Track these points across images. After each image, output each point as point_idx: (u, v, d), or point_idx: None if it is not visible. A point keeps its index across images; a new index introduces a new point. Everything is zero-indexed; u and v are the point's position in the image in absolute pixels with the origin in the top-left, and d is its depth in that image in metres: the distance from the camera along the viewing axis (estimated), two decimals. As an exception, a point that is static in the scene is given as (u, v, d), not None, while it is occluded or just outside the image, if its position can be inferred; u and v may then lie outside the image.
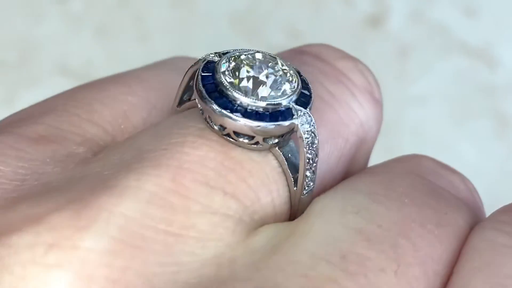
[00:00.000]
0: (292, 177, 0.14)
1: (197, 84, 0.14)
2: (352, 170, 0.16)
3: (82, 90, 0.15)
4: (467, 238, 0.14)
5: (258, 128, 0.13)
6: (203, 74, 0.14)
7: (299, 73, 0.14)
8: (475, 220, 0.15)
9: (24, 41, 0.41)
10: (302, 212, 0.14)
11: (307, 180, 0.14)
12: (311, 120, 0.14)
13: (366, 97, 0.15)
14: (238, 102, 0.14)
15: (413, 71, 0.40)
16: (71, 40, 0.41)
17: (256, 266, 0.12)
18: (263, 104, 0.14)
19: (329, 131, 0.15)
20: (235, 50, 0.14)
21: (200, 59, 0.14)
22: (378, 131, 0.15)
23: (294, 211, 0.14)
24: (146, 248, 0.12)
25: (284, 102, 0.14)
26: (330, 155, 0.15)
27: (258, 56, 0.14)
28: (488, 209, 0.39)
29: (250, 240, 0.13)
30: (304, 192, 0.14)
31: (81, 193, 0.12)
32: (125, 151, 0.14)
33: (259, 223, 0.13)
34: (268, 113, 0.14)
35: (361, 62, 0.16)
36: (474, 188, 0.16)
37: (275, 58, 0.14)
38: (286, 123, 0.14)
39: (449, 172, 0.16)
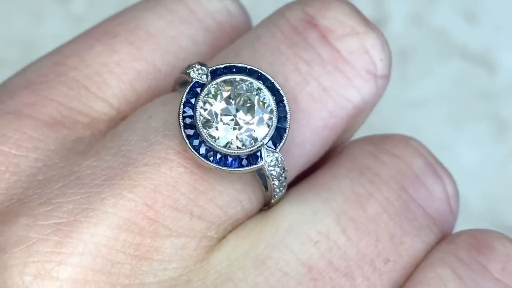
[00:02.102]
0: (263, 184, 0.15)
1: (179, 116, 0.14)
2: (345, 133, 0.16)
3: (94, 47, 0.16)
4: (423, 261, 0.14)
5: (228, 171, 0.14)
6: (184, 109, 0.14)
7: (280, 94, 0.14)
8: (441, 236, 0.15)
9: (25, 40, 0.40)
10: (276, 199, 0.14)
11: (276, 191, 0.14)
12: (280, 161, 0.14)
13: (365, 79, 0.15)
14: (212, 150, 0.14)
15: (413, 75, 0.40)
16: None
17: None
18: (235, 152, 0.14)
19: (312, 131, 0.15)
20: (224, 69, 0.14)
21: (189, 70, 0.14)
22: (380, 97, 0.15)
23: (268, 202, 0.15)
24: (115, 272, 0.13)
25: (255, 147, 0.14)
26: (313, 146, 0.15)
27: (240, 89, 0.14)
28: (487, 213, 0.39)
29: (209, 258, 0.14)
30: (273, 200, 0.14)
31: (67, 218, 0.13)
32: (115, 154, 0.14)
33: (227, 230, 0.14)
34: (238, 158, 0.14)
35: (372, 34, 0.15)
36: (455, 194, 0.16)
37: (260, 89, 0.14)
38: (254, 168, 0.14)
39: (434, 178, 0.15)
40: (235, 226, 0.14)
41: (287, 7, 0.15)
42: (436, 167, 0.16)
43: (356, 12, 0.16)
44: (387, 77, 0.16)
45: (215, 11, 0.16)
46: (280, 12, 0.15)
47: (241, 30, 0.16)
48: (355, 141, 0.16)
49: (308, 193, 0.14)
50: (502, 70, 0.40)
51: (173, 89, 0.16)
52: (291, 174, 0.15)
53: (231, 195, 0.14)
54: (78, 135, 0.15)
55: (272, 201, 0.14)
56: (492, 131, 0.39)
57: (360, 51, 0.15)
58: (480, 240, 0.15)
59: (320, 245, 0.14)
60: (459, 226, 0.38)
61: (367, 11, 0.41)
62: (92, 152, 0.15)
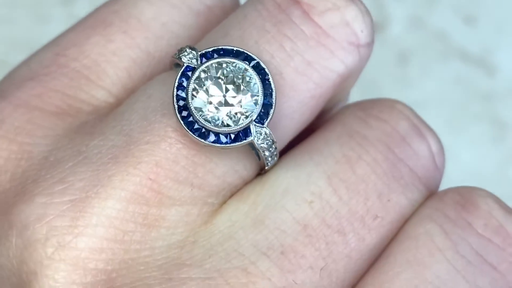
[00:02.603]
0: (256, 154, 0.16)
1: (173, 99, 0.15)
2: (335, 97, 0.17)
3: (90, 37, 0.17)
4: (411, 217, 0.15)
5: (221, 147, 0.15)
6: (177, 92, 0.15)
7: (265, 72, 0.15)
8: (427, 193, 0.16)
9: (28, 42, 0.41)
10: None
11: (268, 160, 0.15)
12: (268, 135, 0.15)
13: (348, 50, 0.16)
14: (204, 129, 0.15)
15: (413, 76, 0.40)
16: None
17: (210, 253, 0.14)
18: (226, 130, 0.15)
19: (299, 102, 0.16)
20: (213, 52, 0.16)
21: (181, 53, 0.16)
22: (364, 63, 0.16)
23: (262, 169, 0.16)
24: (127, 239, 0.14)
25: (245, 124, 0.15)
26: (302, 115, 0.16)
27: (228, 71, 0.15)
28: None
29: (212, 221, 0.15)
30: (267, 167, 0.16)
31: (79, 194, 0.15)
32: (118, 133, 0.15)
33: (227, 196, 0.15)
34: (229, 136, 0.15)
35: (352, 6, 0.16)
36: (439, 151, 0.17)
37: (246, 70, 0.15)
38: (245, 142, 0.15)
39: (421, 140, 0.16)
40: (234, 192, 0.16)
41: None
42: (420, 127, 0.17)
43: None
44: (369, 44, 0.17)
45: (214, 5, 0.17)
46: None
47: (231, 12, 0.16)
48: (346, 106, 0.17)
49: (302, 157, 0.16)
50: (501, 72, 0.40)
51: (170, 67, 0.17)
52: (283, 142, 0.16)
53: (228, 166, 0.16)
54: (82, 120, 0.16)
55: (266, 168, 0.16)
56: (491, 132, 0.40)
57: (341, 25, 0.16)
58: (466, 198, 0.16)
59: (313, 205, 0.15)
60: None
61: None
62: (97, 132, 0.16)
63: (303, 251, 0.14)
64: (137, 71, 0.17)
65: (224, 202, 0.15)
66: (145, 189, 0.15)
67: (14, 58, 0.40)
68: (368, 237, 0.15)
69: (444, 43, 0.41)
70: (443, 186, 0.37)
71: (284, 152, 0.17)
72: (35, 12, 0.41)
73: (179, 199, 0.15)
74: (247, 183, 0.16)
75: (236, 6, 0.17)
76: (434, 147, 0.17)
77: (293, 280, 0.14)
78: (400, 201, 0.15)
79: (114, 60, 0.17)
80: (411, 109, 0.17)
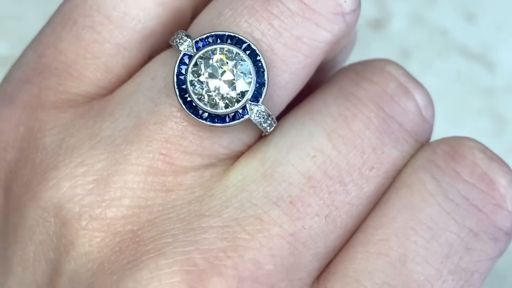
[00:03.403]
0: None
1: (174, 85, 0.17)
2: (327, 58, 0.18)
3: (62, 36, 0.18)
4: (404, 167, 0.17)
5: (221, 126, 0.17)
6: (177, 79, 0.17)
7: (256, 53, 0.17)
8: (418, 146, 0.17)
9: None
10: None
11: (267, 129, 0.17)
12: (263, 111, 0.16)
13: (333, 20, 0.17)
14: (204, 112, 0.17)
15: (414, 72, 0.41)
16: None
17: (226, 204, 0.15)
18: (224, 111, 0.16)
19: (291, 73, 0.17)
20: (207, 38, 0.17)
21: (178, 41, 0.17)
22: (352, 28, 0.17)
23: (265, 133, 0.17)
24: (150, 204, 0.16)
25: (241, 104, 0.17)
26: (295, 84, 0.17)
27: (221, 55, 0.17)
28: None
29: (226, 177, 0.16)
30: (267, 133, 0.17)
31: (101, 174, 0.16)
32: (128, 115, 0.17)
33: (235, 158, 0.17)
34: (227, 115, 0.17)
35: None
36: (427, 103, 0.18)
37: (238, 53, 0.16)
38: (243, 120, 0.17)
39: (408, 97, 0.18)
40: (242, 152, 0.17)
41: None
42: (407, 86, 0.18)
43: None
44: (355, 10, 0.17)
45: None
46: None
47: None
48: (342, 69, 0.18)
49: (303, 117, 0.17)
50: (501, 67, 0.41)
51: (168, 47, 0.18)
52: (279, 109, 0.17)
53: (232, 136, 0.17)
54: (83, 108, 0.17)
55: (267, 133, 0.17)
56: (492, 127, 0.40)
57: (324, 1, 0.17)
58: (455, 149, 0.17)
59: (316, 159, 0.16)
60: None
61: (369, 11, 0.41)
62: (107, 114, 0.17)
63: (309, 200, 0.16)
64: (114, 64, 0.18)
65: (234, 161, 0.17)
66: (159, 163, 0.16)
67: (18, 54, 0.41)
68: (365, 186, 0.17)
69: (445, 39, 0.41)
70: None
71: (286, 111, 0.18)
72: (42, 8, 0.41)
73: (192, 167, 0.16)
74: (254, 143, 0.17)
75: None
76: (421, 102, 0.18)
77: (302, 226, 0.16)
78: (393, 153, 0.17)
79: (89, 57, 0.18)
80: (400, 69, 0.19)
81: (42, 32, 0.19)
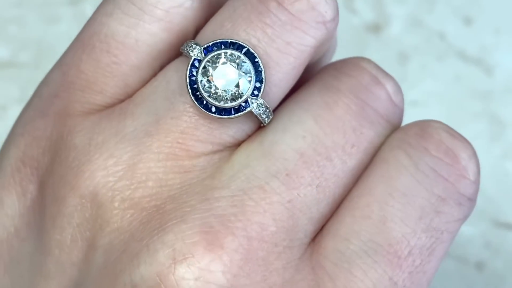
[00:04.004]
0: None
1: (187, 85, 0.20)
2: (313, 60, 0.21)
3: (82, 59, 0.21)
4: (381, 147, 0.20)
5: (228, 118, 0.20)
6: (189, 80, 0.20)
7: (254, 56, 0.20)
8: (392, 129, 0.21)
9: (37, 42, 0.41)
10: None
11: (265, 120, 0.20)
12: (262, 104, 0.20)
13: (317, 28, 0.20)
14: (213, 106, 0.20)
15: (413, 75, 0.41)
16: None
17: (234, 178, 0.19)
18: (230, 105, 0.19)
19: (284, 73, 0.20)
20: (213, 46, 0.20)
21: (189, 48, 0.20)
22: (333, 34, 0.21)
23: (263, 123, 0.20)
24: (170, 183, 0.19)
25: (244, 99, 0.20)
26: (287, 82, 0.20)
27: (226, 60, 0.20)
28: (483, 209, 0.40)
29: (232, 158, 0.20)
30: (265, 124, 0.20)
31: (128, 163, 0.19)
32: (148, 112, 0.20)
33: (238, 145, 0.20)
34: (233, 108, 0.20)
35: None
36: (396, 92, 0.21)
37: (240, 56, 0.20)
38: (246, 112, 0.20)
39: (380, 87, 0.21)
40: (244, 140, 0.21)
41: None
42: (378, 77, 0.21)
43: None
44: (334, 19, 0.20)
45: (171, 7, 0.21)
46: None
47: (196, 10, 0.21)
48: (324, 67, 0.22)
49: (293, 106, 0.20)
50: (499, 71, 0.41)
51: (180, 54, 0.21)
52: (275, 103, 0.20)
53: (237, 127, 0.20)
54: (107, 112, 0.20)
55: (265, 124, 0.20)
56: (489, 130, 0.40)
57: (308, 10, 0.20)
58: (424, 130, 0.20)
59: (306, 139, 0.20)
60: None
61: (368, 14, 0.42)
62: (129, 113, 0.20)
63: (302, 173, 0.19)
64: (130, 80, 0.21)
65: (238, 146, 0.20)
66: (176, 150, 0.19)
67: (23, 58, 0.41)
68: (348, 161, 0.20)
69: (443, 43, 0.41)
70: None
71: (280, 103, 0.21)
72: (43, 12, 0.41)
73: (204, 153, 0.20)
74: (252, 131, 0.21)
75: (199, 7, 0.21)
76: (391, 90, 0.21)
77: (297, 194, 0.19)
78: (370, 133, 0.20)
79: (108, 75, 0.21)
80: (372, 64, 0.22)
81: (65, 55, 0.22)
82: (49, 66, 0.40)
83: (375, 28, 0.41)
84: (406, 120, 0.40)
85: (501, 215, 0.39)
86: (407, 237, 0.19)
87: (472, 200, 0.20)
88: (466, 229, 0.39)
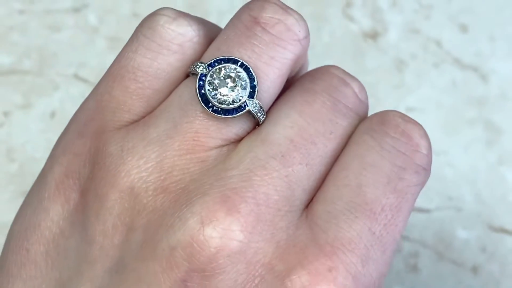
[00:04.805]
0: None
1: (197, 95, 0.24)
2: (293, 71, 0.26)
3: (113, 87, 0.25)
4: (353, 134, 0.25)
5: (231, 117, 0.24)
6: (199, 91, 0.24)
7: (248, 68, 0.24)
8: (360, 119, 0.25)
9: (40, 50, 0.41)
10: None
11: (261, 118, 0.25)
12: (257, 103, 0.24)
13: (293, 44, 0.25)
14: (219, 109, 0.24)
15: (410, 82, 0.41)
16: (86, 48, 0.41)
17: (241, 161, 0.24)
18: (232, 106, 0.24)
19: (271, 81, 0.25)
20: (215, 62, 0.25)
21: (195, 67, 0.25)
22: (306, 48, 0.26)
23: (258, 123, 0.25)
24: (191, 171, 0.24)
25: (243, 101, 0.24)
26: (274, 88, 0.25)
27: (226, 72, 0.24)
28: (478, 214, 0.40)
29: (237, 147, 0.24)
30: (260, 123, 0.25)
31: (156, 160, 0.24)
32: (166, 121, 0.24)
33: (239, 140, 0.25)
34: (235, 110, 0.24)
35: (290, 18, 0.25)
36: (361, 90, 0.26)
37: (236, 68, 0.24)
38: (245, 111, 0.24)
39: (347, 87, 0.25)
40: (244, 135, 0.25)
41: (241, 12, 0.25)
42: (346, 79, 0.26)
43: (280, 7, 0.25)
44: (306, 37, 0.25)
45: (183, 42, 0.26)
46: (237, 17, 0.25)
47: (201, 43, 0.26)
48: (302, 75, 0.26)
49: (281, 105, 0.25)
50: (494, 78, 0.41)
51: (187, 76, 0.25)
52: (267, 104, 0.25)
53: (238, 125, 0.24)
54: (133, 124, 0.25)
55: (260, 122, 0.25)
56: (484, 136, 0.40)
57: (285, 31, 0.25)
58: (384, 118, 0.25)
59: (294, 129, 0.24)
60: (456, 227, 0.39)
61: (366, 22, 0.42)
62: (151, 123, 0.24)
63: (293, 154, 0.24)
64: (152, 101, 0.25)
65: (240, 140, 0.25)
66: (193, 146, 0.24)
67: (26, 65, 0.41)
68: (329, 144, 0.24)
69: (440, 50, 0.41)
70: (439, 181, 0.37)
71: (270, 106, 0.26)
72: (46, 19, 0.42)
73: (215, 146, 0.24)
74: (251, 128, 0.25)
75: (202, 35, 0.26)
76: (357, 89, 0.26)
77: (292, 170, 0.23)
78: (343, 123, 0.25)
79: (135, 98, 0.25)
80: (340, 69, 0.26)
81: (97, 86, 0.26)
82: (52, 73, 0.41)
83: (373, 35, 0.42)
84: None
85: (496, 220, 0.39)
86: (379, 197, 0.24)
87: (426, 169, 0.25)
88: (462, 234, 0.39)
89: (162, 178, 0.23)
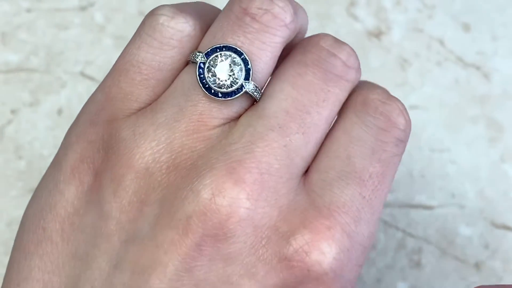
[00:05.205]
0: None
1: (198, 81, 0.26)
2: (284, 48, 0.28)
3: (120, 80, 0.27)
4: (341, 109, 0.27)
5: (231, 99, 0.26)
6: (199, 77, 0.26)
7: (241, 53, 0.26)
8: (351, 84, 0.27)
9: (48, 48, 0.41)
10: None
11: (257, 97, 0.27)
12: (253, 84, 0.26)
13: (281, 30, 0.27)
14: (219, 93, 0.26)
15: (413, 80, 0.41)
16: (93, 46, 0.41)
17: (242, 135, 0.26)
18: (231, 90, 0.26)
19: (264, 63, 0.27)
20: (211, 51, 0.26)
21: (195, 56, 0.27)
22: (294, 31, 0.27)
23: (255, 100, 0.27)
24: (197, 148, 0.26)
25: (239, 84, 0.26)
26: (268, 68, 0.27)
27: (223, 58, 0.26)
28: (481, 211, 0.40)
29: (238, 122, 0.26)
30: (257, 100, 0.27)
31: (167, 140, 0.26)
32: (172, 106, 0.26)
33: (238, 116, 0.27)
34: (233, 92, 0.26)
35: (276, 8, 0.27)
36: (349, 57, 0.27)
37: (231, 55, 0.26)
38: (242, 92, 0.26)
39: (336, 58, 0.27)
40: (243, 112, 0.27)
41: (232, 4, 0.27)
42: (333, 51, 0.27)
43: None
44: (293, 21, 0.27)
45: (182, 37, 0.28)
46: (229, 7, 0.27)
47: (198, 36, 0.28)
48: (296, 47, 0.28)
49: (275, 80, 0.27)
50: (496, 76, 0.41)
51: (187, 63, 0.27)
52: (262, 84, 0.27)
53: (238, 105, 0.27)
54: (141, 111, 0.27)
55: (257, 100, 0.27)
56: (487, 133, 0.40)
57: (273, 19, 0.26)
58: (366, 100, 0.27)
59: (288, 101, 0.26)
60: (459, 224, 0.39)
61: (370, 21, 0.42)
62: (158, 109, 0.26)
63: (290, 125, 0.26)
64: (157, 90, 0.27)
65: (239, 116, 0.27)
66: (198, 126, 0.26)
67: (34, 63, 0.41)
68: (322, 112, 0.26)
69: (443, 49, 0.41)
70: (442, 178, 0.37)
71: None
72: (53, 18, 0.42)
73: (218, 125, 0.26)
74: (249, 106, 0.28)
75: (191, 30, 0.28)
76: (344, 58, 0.27)
77: (289, 140, 0.26)
78: (335, 90, 0.27)
79: (141, 88, 0.27)
80: (328, 41, 0.27)
81: (104, 80, 0.28)
82: (59, 70, 0.41)
83: (377, 34, 0.42)
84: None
85: (499, 217, 0.39)
86: (366, 166, 0.26)
87: (404, 141, 0.27)
88: (465, 230, 0.39)
89: (173, 157, 0.25)
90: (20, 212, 0.39)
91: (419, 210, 0.39)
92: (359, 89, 0.28)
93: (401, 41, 0.42)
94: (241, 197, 0.24)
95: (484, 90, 0.41)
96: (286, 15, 0.26)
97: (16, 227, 0.39)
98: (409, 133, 0.28)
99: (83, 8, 0.42)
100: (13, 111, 0.40)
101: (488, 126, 0.40)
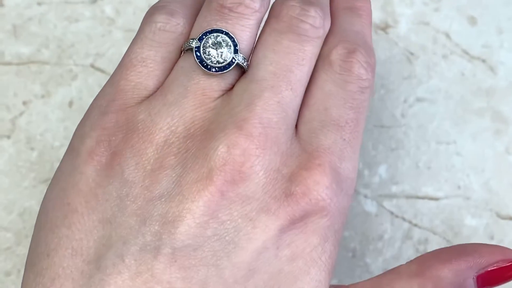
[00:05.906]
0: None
1: (196, 62, 0.30)
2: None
3: (127, 75, 0.31)
4: (315, 68, 0.31)
5: (226, 71, 0.30)
6: (197, 58, 0.30)
7: (227, 33, 0.31)
8: (321, 40, 0.31)
9: (58, 40, 0.41)
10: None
11: (246, 67, 0.31)
12: (242, 57, 0.30)
13: (254, 15, 0.31)
14: (215, 68, 0.30)
15: (419, 73, 0.41)
16: (103, 39, 0.41)
17: (241, 98, 0.30)
18: (224, 64, 0.30)
19: (245, 39, 0.31)
20: (203, 35, 0.31)
21: (189, 43, 0.31)
22: (266, 12, 0.32)
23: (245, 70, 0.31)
24: (203, 118, 0.30)
25: (230, 58, 0.30)
26: (251, 42, 0.31)
27: (215, 40, 0.30)
28: (486, 203, 0.40)
29: (233, 91, 0.30)
30: (246, 69, 0.31)
31: (179, 114, 0.30)
32: (178, 86, 0.30)
33: (232, 86, 0.31)
34: (226, 65, 0.30)
35: (246, 0, 0.31)
36: (316, 20, 0.31)
37: (219, 35, 0.31)
38: (234, 65, 0.30)
39: (304, 23, 0.31)
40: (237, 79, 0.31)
41: (209, 1, 0.32)
42: (302, 18, 0.31)
43: None
44: (262, 5, 0.31)
45: (176, 36, 0.32)
46: (209, 3, 0.31)
47: (186, 32, 0.32)
48: (269, 17, 0.32)
49: (259, 49, 0.31)
50: (502, 69, 0.41)
51: (183, 51, 0.31)
52: (248, 55, 0.31)
53: (232, 76, 0.31)
54: (150, 96, 0.31)
55: (246, 69, 0.31)
56: (493, 126, 0.40)
57: (246, 8, 0.31)
58: (330, 59, 0.31)
59: (273, 65, 0.30)
60: (464, 215, 0.39)
61: (377, 14, 0.42)
62: (166, 91, 0.30)
63: (279, 84, 0.30)
64: (161, 78, 0.31)
65: (233, 84, 0.31)
66: (203, 99, 0.30)
67: (45, 55, 0.41)
68: (303, 68, 0.31)
69: (449, 42, 0.41)
70: (448, 170, 0.37)
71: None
72: (64, 10, 0.42)
73: (218, 96, 0.30)
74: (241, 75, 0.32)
75: (180, 27, 0.32)
76: (312, 22, 0.31)
77: (281, 96, 0.30)
78: (309, 48, 0.31)
79: (149, 78, 0.31)
80: (297, 10, 0.31)
81: (112, 76, 0.32)
82: (70, 62, 0.41)
83: (384, 27, 0.42)
84: (415, 116, 0.40)
85: (504, 208, 0.39)
86: (341, 114, 0.30)
87: (368, 87, 0.31)
88: (471, 221, 0.40)
89: (187, 127, 0.29)
90: (32, 203, 0.39)
91: (426, 201, 0.39)
92: (325, 44, 0.32)
93: (408, 34, 0.42)
94: (251, 147, 0.28)
95: (490, 83, 0.41)
96: (255, 4, 0.31)
97: (28, 218, 0.39)
98: (373, 77, 0.32)
99: (93, 1, 0.42)
100: (24, 103, 0.41)
101: (493, 119, 0.40)
